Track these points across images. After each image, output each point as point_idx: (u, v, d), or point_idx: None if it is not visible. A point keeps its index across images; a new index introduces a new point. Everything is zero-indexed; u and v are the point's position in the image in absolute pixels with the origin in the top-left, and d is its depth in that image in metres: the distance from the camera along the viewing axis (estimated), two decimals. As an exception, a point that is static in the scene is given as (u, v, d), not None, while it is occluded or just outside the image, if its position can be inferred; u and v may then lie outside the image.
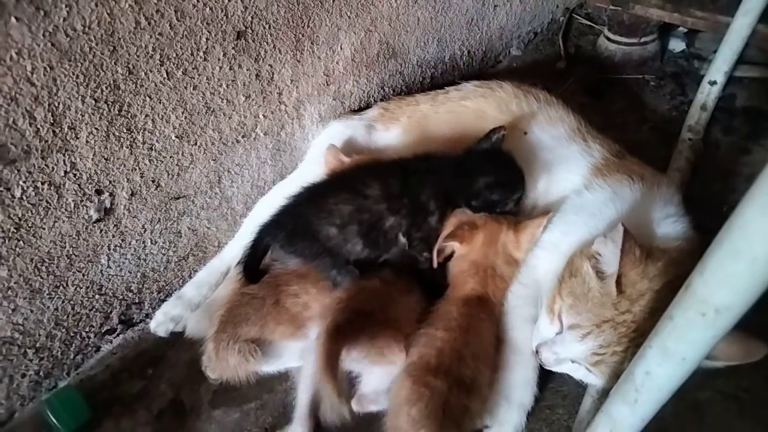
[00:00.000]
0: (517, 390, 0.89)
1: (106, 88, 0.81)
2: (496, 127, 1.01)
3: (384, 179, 0.95)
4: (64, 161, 0.81)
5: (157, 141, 0.92)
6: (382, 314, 0.88)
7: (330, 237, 0.93)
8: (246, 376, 0.89)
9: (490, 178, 0.96)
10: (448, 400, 0.79)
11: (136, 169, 0.91)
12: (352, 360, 0.85)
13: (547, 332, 0.86)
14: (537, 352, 0.86)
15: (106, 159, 0.86)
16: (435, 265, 0.95)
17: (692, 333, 0.51)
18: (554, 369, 0.87)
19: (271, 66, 1.03)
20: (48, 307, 0.90)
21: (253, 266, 0.97)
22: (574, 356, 0.81)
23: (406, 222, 0.95)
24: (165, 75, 0.87)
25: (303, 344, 0.91)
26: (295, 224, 0.95)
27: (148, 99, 0.87)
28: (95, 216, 0.89)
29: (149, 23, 0.81)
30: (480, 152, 1.00)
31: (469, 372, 0.83)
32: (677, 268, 0.79)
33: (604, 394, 0.75)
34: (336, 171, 1.04)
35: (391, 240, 0.96)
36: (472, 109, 1.18)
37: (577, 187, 1.01)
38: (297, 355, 0.93)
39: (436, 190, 0.96)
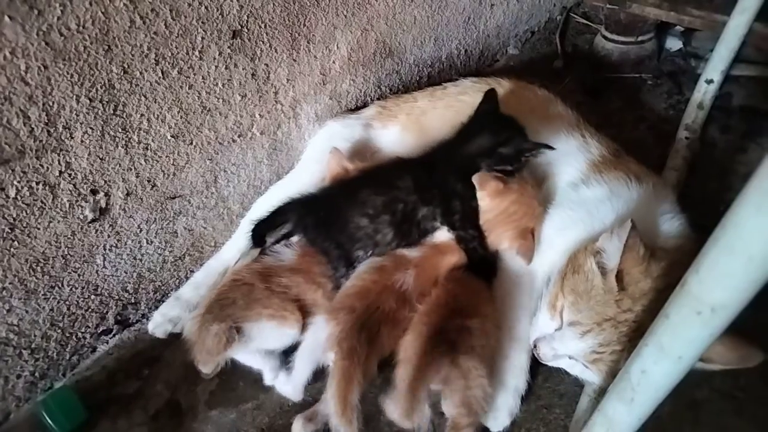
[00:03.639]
0: (512, 375, 0.90)
1: (101, 87, 0.80)
2: (489, 89, 1.04)
3: (413, 172, 0.96)
4: (58, 161, 0.81)
5: (152, 140, 0.91)
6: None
7: (361, 227, 0.94)
8: (222, 360, 0.88)
9: (498, 136, 0.96)
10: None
11: (131, 169, 0.91)
12: None
13: (547, 328, 0.86)
14: (535, 346, 0.86)
15: (101, 159, 0.86)
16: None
17: (688, 331, 0.51)
18: (551, 364, 0.87)
19: (267, 65, 1.03)
20: (43, 307, 0.90)
21: (265, 230, 0.98)
22: (573, 353, 0.81)
23: (440, 210, 0.96)
24: (160, 74, 0.87)
25: (283, 334, 0.91)
26: (327, 212, 0.95)
27: (143, 98, 0.86)
28: (90, 216, 0.89)
29: (144, 22, 0.81)
30: (481, 116, 1.02)
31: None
32: (680, 269, 0.79)
33: (601, 393, 0.75)
34: (344, 176, 1.03)
35: (424, 230, 0.97)
36: (470, 104, 1.16)
37: (575, 182, 1.01)
38: (275, 347, 0.93)
39: (457, 170, 0.96)
